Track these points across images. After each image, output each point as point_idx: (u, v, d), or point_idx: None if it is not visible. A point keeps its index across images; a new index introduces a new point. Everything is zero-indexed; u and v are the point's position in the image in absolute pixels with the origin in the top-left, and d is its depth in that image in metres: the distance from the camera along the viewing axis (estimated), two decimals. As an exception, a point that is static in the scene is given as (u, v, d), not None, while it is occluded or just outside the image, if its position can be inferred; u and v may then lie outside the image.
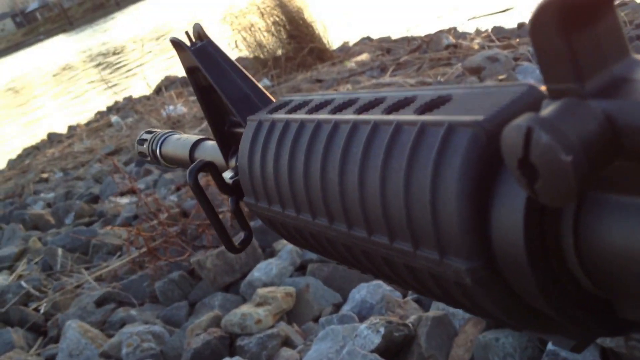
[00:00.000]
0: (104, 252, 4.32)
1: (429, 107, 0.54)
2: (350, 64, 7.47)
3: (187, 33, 0.89)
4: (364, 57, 7.67)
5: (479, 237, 0.47)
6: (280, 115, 0.73)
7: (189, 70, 0.91)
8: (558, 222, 0.44)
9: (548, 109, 0.38)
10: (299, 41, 8.43)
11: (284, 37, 8.61)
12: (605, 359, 1.83)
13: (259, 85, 0.87)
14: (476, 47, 6.10)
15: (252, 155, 0.76)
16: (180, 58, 0.92)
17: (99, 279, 3.93)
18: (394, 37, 8.39)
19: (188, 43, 0.88)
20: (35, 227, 5.66)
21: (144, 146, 1.13)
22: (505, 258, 0.46)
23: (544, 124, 0.36)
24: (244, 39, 8.95)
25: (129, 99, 11.44)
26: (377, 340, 2.18)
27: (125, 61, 21.75)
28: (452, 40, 6.62)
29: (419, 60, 6.42)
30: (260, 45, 8.84)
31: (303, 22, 8.55)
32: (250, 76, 0.87)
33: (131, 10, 60.33)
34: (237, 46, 9.04)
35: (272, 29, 8.66)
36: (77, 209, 5.44)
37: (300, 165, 0.66)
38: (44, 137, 11.70)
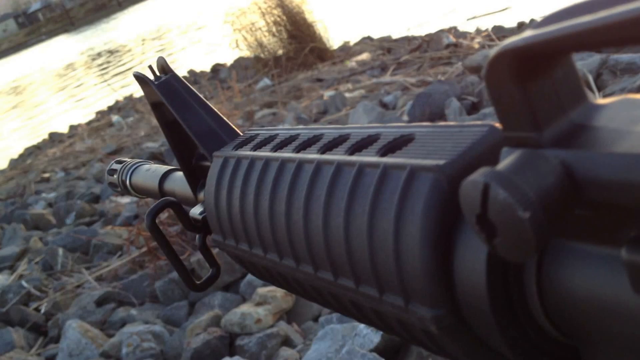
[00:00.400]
0: (105, 251, 4.33)
1: (392, 147, 0.54)
2: (351, 63, 7.49)
3: (150, 67, 0.88)
4: (364, 56, 7.69)
5: (443, 284, 0.47)
6: (246, 152, 0.73)
7: (153, 105, 0.89)
8: (521, 271, 0.44)
9: (505, 163, 0.37)
10: (300, 41, 8.45)
11: (285, 36, 8.63)
12: None
13: (224, 118, 0.85)
14: (476, 46, 6.11)
15: (219, 193, 0.75)
16: (144, 93, 0.90)
17: (99, 279, 3.93)
18: (395, 36, 8.41)
19: (152, 77, 0.87)
20: (36, 227, 5.67)
21: (114, 177, 1.10)
22: (469, 305, 0.46)
23: (500, 180, 0.36)
24: (245, 38, 8.96)
25: (129, 99, 11.49)
26: (376, 339, 2.19)
27: (127, 61, 21.77)
28: (452, 39, 6.63)
29: (419, 60, 6.44)
30: (261, 44, 8.86)
31: (304, 21, 8.57)
32: (215, 109, 0.86)
33: (133, 11, 60.40)
34: (237, 46, 9.05)
35: (273, 28, 8.68)
36: (78, 209, 5.45)
37: (266, 205, 0.65)
38: (46, 136, 11.73)
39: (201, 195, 0.88)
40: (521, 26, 6.51)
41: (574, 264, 0.39)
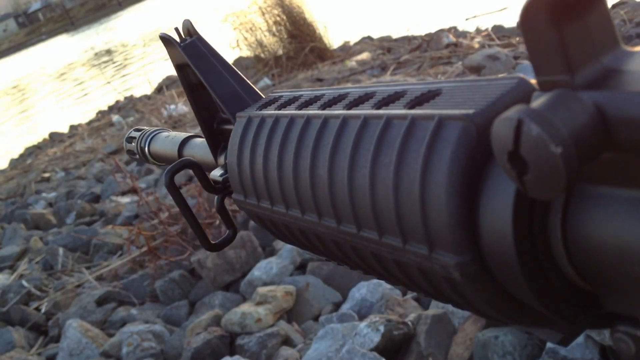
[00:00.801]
0: (105, 251, 4.33)
1: (419, 101, 0.54)
2: (351, 63, 7.49)
3: (176, 29, 0.88)
4: (364, 56, 7.69)
5: (468, 232, 0.47)
6: (270, 112, 0.73)
7: (178, 66, 0.90)
8: (546, 215, 0.44)
9: (538, 101, 0.37)
10: (300, 40, 8.45)
11: (285, 36, 8.63)
12: (604, 356, 1.83)
13: (248, 81, 0.86)
14: (476, 45, 6.13)
15: (241, 152, 0.75)
16: (169, 54, 0.91)
17: (99, 278, 3.94)
18: (395, 36, 8.41)
19: (177, 39, 0.87)
20: (36, 226, 5.67)
21: (132, 144, 1.11)
22: (494, 252, 0.46)
23: (534, 116, 0.36)
24: (245, 38, 8.97)
25: (130, 98, 11.49)
26: (376, 338, 2.19)
27: (127, 60, 21.77)
28: (452, 39, 6.65)
29: (419, 59, 6.45)
30: (261, 44, 8.86)
31: (304, 21, 8.57)
32: (239, 72, 0.86)
33: (133, 10, 60.37)
34: (238, 45, 9.05)
35: (273, 28, 8.68)
36: (79, 209, 5.46)
37: (290, 160, 0.65)
38: (46, 136, 11.72)
39: (222, 159, 0.88)
40: (521, 25, 6.52)
41: (601, 208, 0.40)
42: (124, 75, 17.85)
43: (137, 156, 1.11)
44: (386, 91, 0.59)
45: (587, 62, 0.38)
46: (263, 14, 8.73)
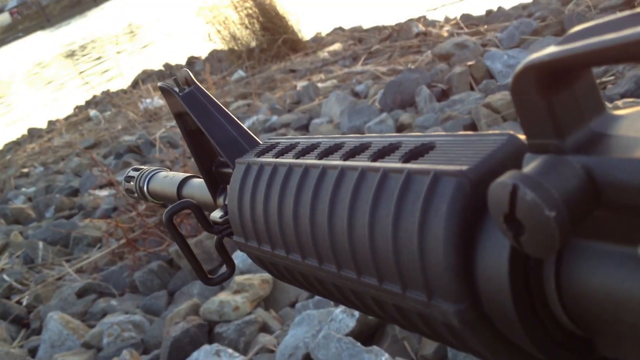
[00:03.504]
0: (84, 244, 4.35)
1: (414, 155, 0.55)
2: (323, 54, 7.52)
3: (175, 79, 0.91)
4: (336, 46, 7.72)
5: (466, 281, 0.48)
6: (269, 159, 0.74)
7: (177, 114, 0.92)
8: (541, 267, 0.46)
9: (531, 166, 0.39)
10: (273, 33, 8.46)
11: (258, 29, 8.63)
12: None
13: (244, 127, 0.88)
14: (445, 34, 6.17)
15: (242, 197, 0.76)
16: (168, 103, 0.93)
17: (79, 271, 3.96)
18: (366, 26, 8.43)
19: (176, 89, 0.89)
20: (16, 221, 5.67)
21: (131, 183, 1.13)
22: (491, 300, 0.47)
23: (528, 182, 0.38)
24: (219, 31, 8.97)
25: (106, 93, 11.42)
26: (351, 324, 2.22)
27: (102, 56, 21.63)
28: (421, 28, 6.68)
29: (389, 49, 6.49)
30: (234, 37, 8.86)
31: (276, 14, 8.57)
32: (236, 119, 0.88)
33: (108, 6, 59.82)
34: (210, 39, 9.06)
35: (246, 21, 8.67)
36: (57, 203, 5.47)
37: (290, 207, 0.67)
38: (25, 132, 11.67)
39: (220, 200, 0.91)
40: (489, 14, 6.55)
41: (592, 261, 0.41)
42: (100, 71, 17.73)
43: (136, 195, 1.14)
44: (381, 142, 0.61)
45: (576, 127, 0.40)
46: (235, 7, 8.73)
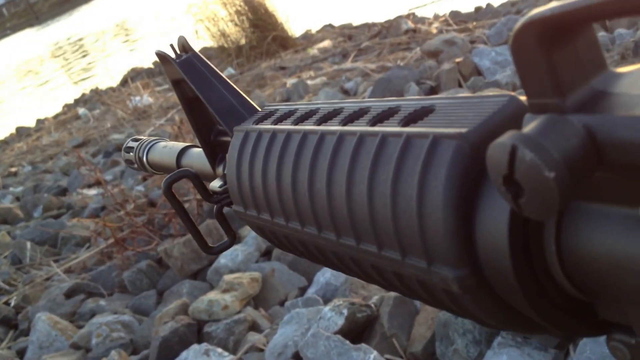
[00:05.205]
0: (73, 244, 4.33)
1: (413, 118, 0.55)
2: (313, 51, 7.51)
3: (172, 46, 0.90)
4: (326, 43, 7.71)
5: (466, 246, 0.48)
6: (267, 126, 0.74)
7: (174, 82, 0.92)
8: (541, 231, 0.45)
9: (530, 126, 0.38)
10: (262, 30, 8.45)
11: (247, 26, 8.62)
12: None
13: (244, 94, 0.88)
14: (434, 31, 6.17)
15: (240, 165, 0.76)
16: (165, 70, 0.92)
17: (68, 271, 3.94)
18: (355, 23, 8.45)
19: (173, 55, 0.89)
20: (4, 221, 5.64)
21: (130, 154, 1.13)
22: (491, 266, 0.47)
23: (527, 142, 0.37)
24: (208, 28, 8.96)
25: (95, 91, 11.40)
26: (340, 321, 2.22)
27: (92, 54, 21.61)
28: (411, 25, 6.68)
29: (379, 46, 6.49)
30: (224, 34, 8.85)
31: (265, 11, 8.57)
32: (235, 86, 0.88)
33: (97, 4, 59.75)
34: (198, 35, 9.05)
35: (235, 18, 8.66)
36: (46, 202, 5.44)
37: (288, 175, 0.66)
38: (13, 131, 11.64)
39: (219, 170, 0.90)
40: (478, 11, 6.58)
41: (592, 224, 0.41)
42: (89, 69, 17.72)
43: (136, 165, 1.14)
44: (380, 107, 0.61)
45: (577, 85, 0.40)
46: (225, 4, 8.72)
